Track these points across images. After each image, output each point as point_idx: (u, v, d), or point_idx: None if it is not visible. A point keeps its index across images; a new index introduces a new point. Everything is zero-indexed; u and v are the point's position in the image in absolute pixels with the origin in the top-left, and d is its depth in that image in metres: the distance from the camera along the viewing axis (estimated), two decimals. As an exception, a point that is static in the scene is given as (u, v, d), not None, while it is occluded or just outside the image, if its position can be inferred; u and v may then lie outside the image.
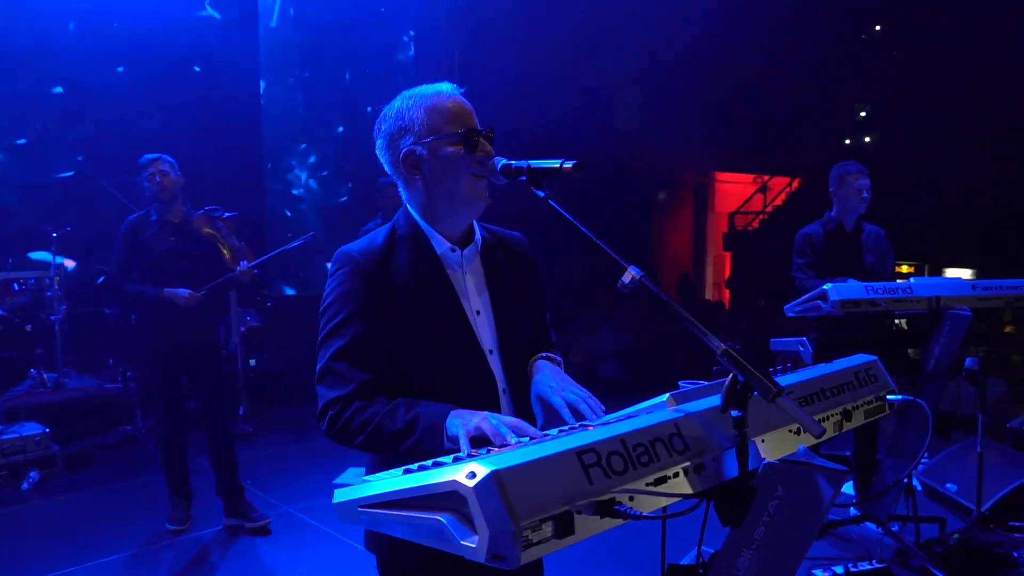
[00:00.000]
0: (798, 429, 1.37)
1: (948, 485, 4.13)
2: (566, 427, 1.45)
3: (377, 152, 1.71)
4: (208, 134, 6.27)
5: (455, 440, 1.39)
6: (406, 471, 1.20)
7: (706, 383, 1.36)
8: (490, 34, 8.52)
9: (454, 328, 1.63)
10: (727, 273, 16.50)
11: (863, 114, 15.51)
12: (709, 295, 16.02)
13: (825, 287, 3.20)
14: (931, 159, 11.72)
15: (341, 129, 8.22)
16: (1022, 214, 10.38)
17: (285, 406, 6.30)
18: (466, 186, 1.60)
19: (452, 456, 1.24)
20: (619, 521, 1.03)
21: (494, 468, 0.93)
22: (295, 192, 7.98)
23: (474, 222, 1.71)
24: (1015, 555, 3.64)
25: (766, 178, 16.34)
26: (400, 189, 1.71)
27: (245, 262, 4.16)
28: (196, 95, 6.50)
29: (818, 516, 1.29)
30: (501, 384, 1.67)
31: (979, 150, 11.31)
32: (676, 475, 1.14)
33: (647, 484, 1.09)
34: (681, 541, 1.75)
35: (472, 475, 0.93)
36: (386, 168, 1.72)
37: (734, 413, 1.19)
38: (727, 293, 15.80)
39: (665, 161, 14.02)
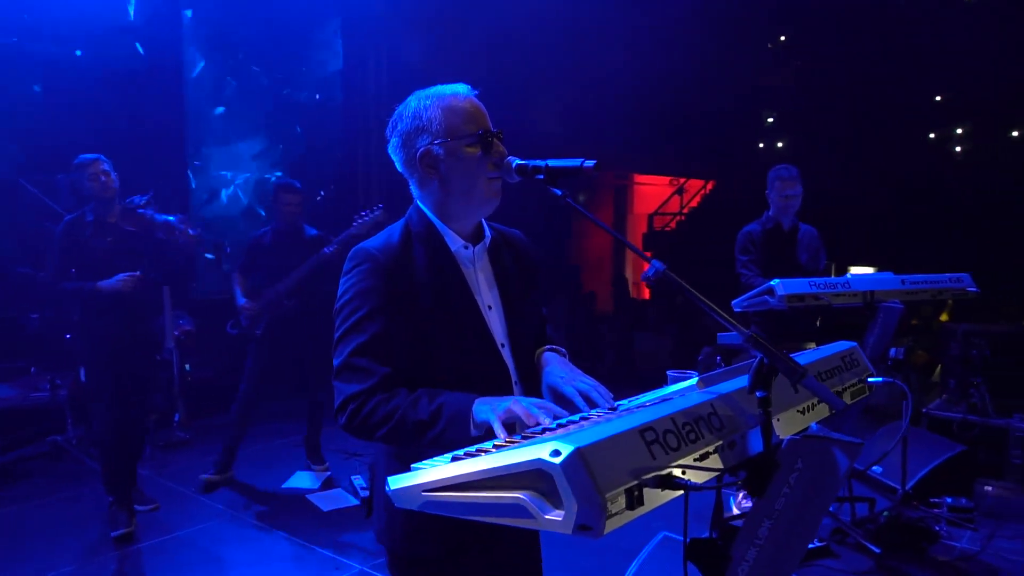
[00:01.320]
0: (805, 409, 1.49)
1: (875, 468, 4.43)
2: (580, 414, 1.53)
3: (390, 150, 1.75)
4: (130, 119, 6.03)
5: (481, 427, 1.43)
6: (455, 458, 1.26)
7: (725, 368, 1.46)
8: (416, 32, 8.53)
9: (470, 322, 1.68)
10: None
11: (771, 120, 16.24)
12: (631, 294, 16.40)
13: (772, 283, 3.40)
14: (832, 163, 12.42)
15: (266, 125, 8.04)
16: (915, 214, 11.15)
17: (222, 412, 6.14)
18: (482, 185, 1.65)
19: (492, 443, 1.30)
20: (678, 492, 1.12)
21: (577, 446, 0.99)
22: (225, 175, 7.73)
23: (482, 220, 1.77)
24: (936, 528, 3.95)
25: (682, 181, 16.90)
26: (412, 187, 1.75)
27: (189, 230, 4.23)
28: (118, 79, 6.18)
29: (834, 488, 1.41)
30: (513, 376, 1.73)
31: (874, 154, 12.07)
32: (714, 451, 1.23)
33: (694, 459, 1.18)
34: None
35: (556, 453, 0.99)
36: (398, 166, 1.76)
37: (759, 393, 1.30)
38: (647, 292, 16.26)
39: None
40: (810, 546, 3.74)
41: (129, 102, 6.16)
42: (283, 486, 4.67)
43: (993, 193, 11.14)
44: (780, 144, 16.03)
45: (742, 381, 1.37)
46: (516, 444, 1.19)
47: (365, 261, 1.63)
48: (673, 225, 16.80)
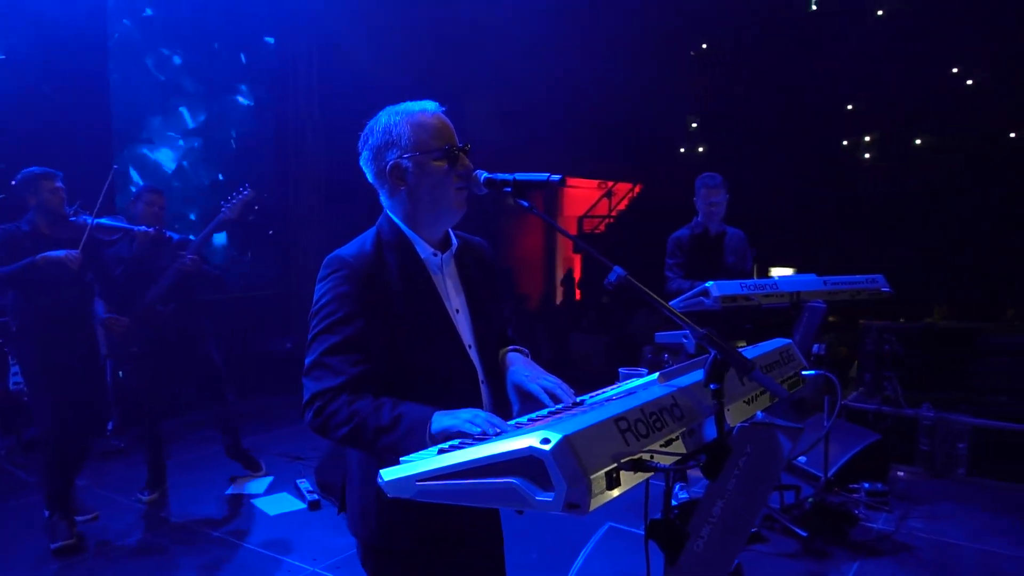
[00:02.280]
0: (750, 399, 1.66)
1: (800, 458, 4.71)
2: (547, 409, 1.66)
3: (362, 163, 1.85)
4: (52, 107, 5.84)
5: (436, 438, 1.52)
6: (441, 451, 1.37)
7: (681, 364, 1.61)
8: (348, 37, 8.52)
9: (439, 326, 1.78)
10: (577, 274, 17.31)
11: (694, 125, 16.79)
12: (564, 296, 16.67)
13: (707, 285, 3.61)
14: (751, 167, 12.97)
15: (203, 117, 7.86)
16: (828, 217, 11.75)
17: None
18: (449, 196, 1.76)
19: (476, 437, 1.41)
20: (649, 473, 1.26)
21: (564, 434, 1.12)
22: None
23: (449, 229, 1.88)
24: (856, 512, 4.25)
25: (611, 184, 17.28)
26: (382, 198, 1.85)
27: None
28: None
29: (777, 469, 1.58)
30: (480, 375, 1.84)
31: (790, 160, 12.66)
32: (677, 438, 1.38)
33: (660, 445, 1.32)
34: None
35: (546, 441, 1.11)
36: (369, 178, 1.85)
37: (713, 386, 1.45)
38: (578, 293, 16.57)
39: (515, 167, 14.54)
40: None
41: (50, 100, 5.97)
42: (226, 492, 4.64)
43: (900, 198, 11.84)
44: (701, 149, 16.59)
45: (697, 375, 1.52)
46: (501, 436, 1.30)
47: (341, 268, 1.71)
48: (602, 228, 17.16)
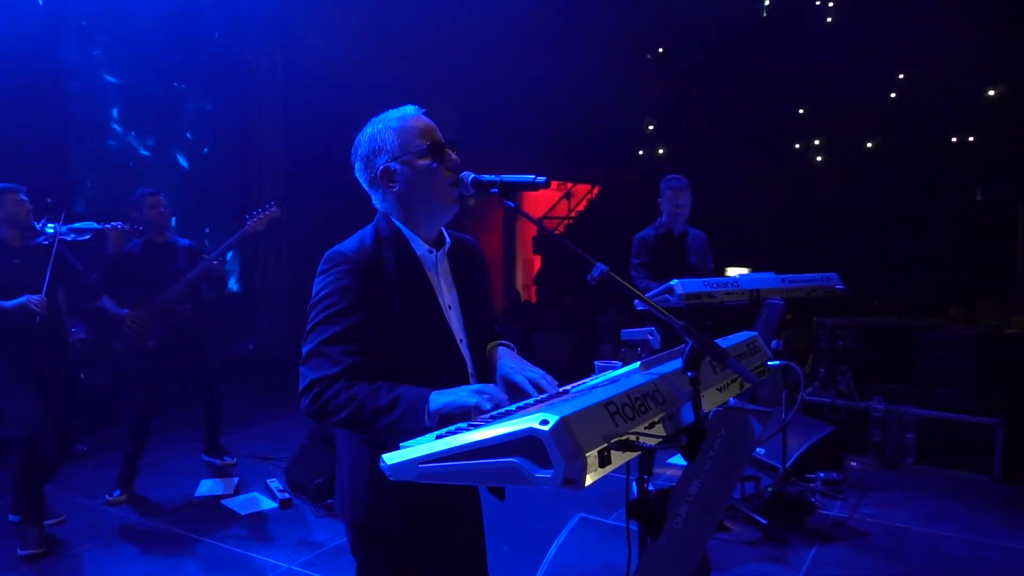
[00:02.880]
0: (722, 387, 1.77)
1: (759, 449, 4.89)
2: (532, 399, 1.76)
3: (356, 174, 1.94)
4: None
5: (434, 416, 1.62)
6: (438, 436, 1.45)
7: (660, 354, 1.72)
8: (311, 40, 8.52)
9: (433, 321, 1.87)
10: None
11: (651, 128, 17.07)
12: (523, 296, 16.78)
13: (672, 283, 3.74)
14: (707, 169, 13.26)
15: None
16: (782, 218, 12.08)
17: (119, 423, 5.98)
18: (440, 192, 1.85)
19: (486, 417, 1.50)
20: (635, 453, 1.36)
21: (561, 415, 1.21)
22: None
23: (442, 228, 1.97)
24: (812, 500, 4.43)
25: (569, 186, 17.46)
26: (377, 202, 1.93)
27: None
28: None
29: (749, 451, 1.69)
30: (470, 368, 1.93)
31: (744, 162, 12.99)
32: (659, 421, 1.48)
33: (645, 428, 1.42)
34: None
35: (545, 422, 1.20)
36: (364, 186, 1.94)
37: (691, 373, 1.56)
38: (533, 293, 16.71)
39: (475, 169, 14.64)
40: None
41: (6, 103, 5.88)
42: (196, 494, 4.64)
43: (851, 199, 12.23)
44: (661, 151, 16.87)
45: (676, 364, 1.63)
46: (499, 420, 1.39)
47: (343, 262, 1.79)
48: (561, 228, 17.33)
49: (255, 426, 6.09)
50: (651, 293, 3.91)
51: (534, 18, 10.73)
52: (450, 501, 1.94)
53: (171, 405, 6.35)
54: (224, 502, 4.48)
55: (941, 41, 11.23)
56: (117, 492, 4.52)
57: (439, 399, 1.62)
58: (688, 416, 1.59)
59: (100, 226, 4.27)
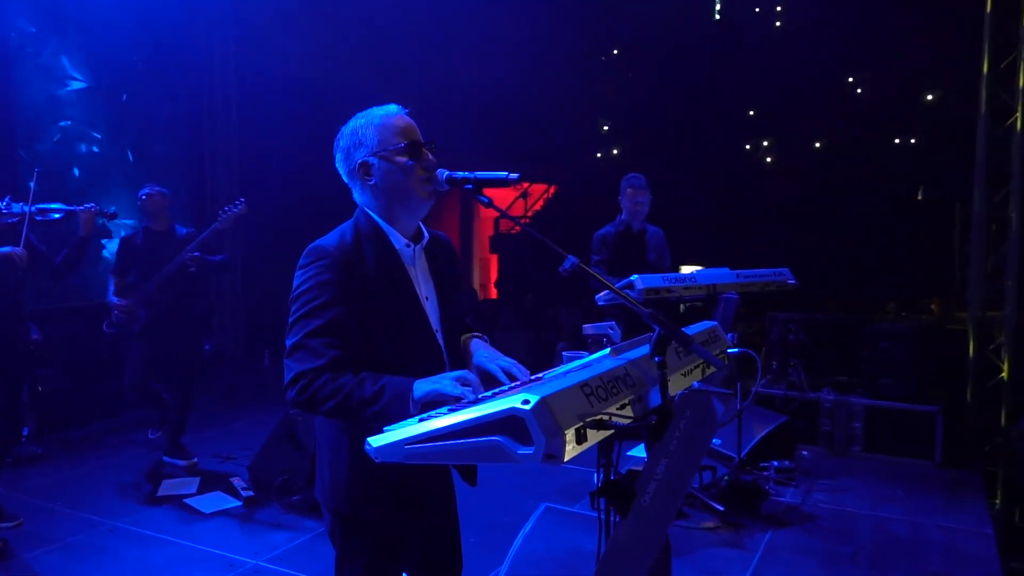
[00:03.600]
0: (686, 372, 1.88)
1: (715, 440, 5.05)
2: (506, 386, 1.84)
3: (336, 165, 2.01)
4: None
5: (418, 404, 1.70)
6: (421, 419, 1.52)
7: (629, 341, 1.81)
8: (268, 39, 8.46)
9: (411, 312, 1.94)
10: (493, 275, 17.54)
11: (606, 128, 17.28)
12: (480, 295, 16.85)
13: (632, 278, 3.86)
14: (661, 169, 13.53)
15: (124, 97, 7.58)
16: (733, 217, 12.39)
17: (75, 425, 5.89)
18: (415, 189, 1.92)
19: (446, 408, 1.57)
20: (609, 432, 1.45)
21: (541, 395, 1.29)
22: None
23: (420, 223, 2.04)
24: (766, 488, 4.60)
25: (526, 185, 17.59)
26: (356, 195, 2.00)
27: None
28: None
29: (711, 431, 1.80)
30: (445, 357, 2.00)
31: (697, 162, 13.28)
32: (629, 403, 1.58)
33: (617, 408, 1.51)
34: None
35: (526, 402, 1.28)
36: (344, 178, 2.01)
37: (658, 359, 1.66)
38: (494, 292, 16.80)
39: (444, 166, 14.68)
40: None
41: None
42: (158, 494, 4.60)
43: (800, 197, 12.60)
44: (616, 151, 17.09)
45: (643, 350, 1.73)
46: (479, 403, 1.47)
47: (323, 256, 1.84)
48: (518, 228, 17.47)
49: (215, 427, 6.04)
50: (609, 290, 4.02)
51: (490, 17, 10.81)
52: (427, 484, 2.01)
53: (123, 406, 6.27)
54: (187, 501, 4.46)
55: (883, 47, 11.65)
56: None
57: (423, 387, 1.69)
58: (655, 399, 1.69)
59: (71, 207, 4.29)
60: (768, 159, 15.40)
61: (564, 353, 2.47)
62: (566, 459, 1.31)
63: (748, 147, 15.60)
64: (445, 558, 2.15)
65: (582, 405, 1.39)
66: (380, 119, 1.94)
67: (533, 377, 1.92)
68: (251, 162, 8.69)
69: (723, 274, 4.09)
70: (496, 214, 16.65)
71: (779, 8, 14.37)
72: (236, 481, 4.62)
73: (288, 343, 1.81)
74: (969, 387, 5.92)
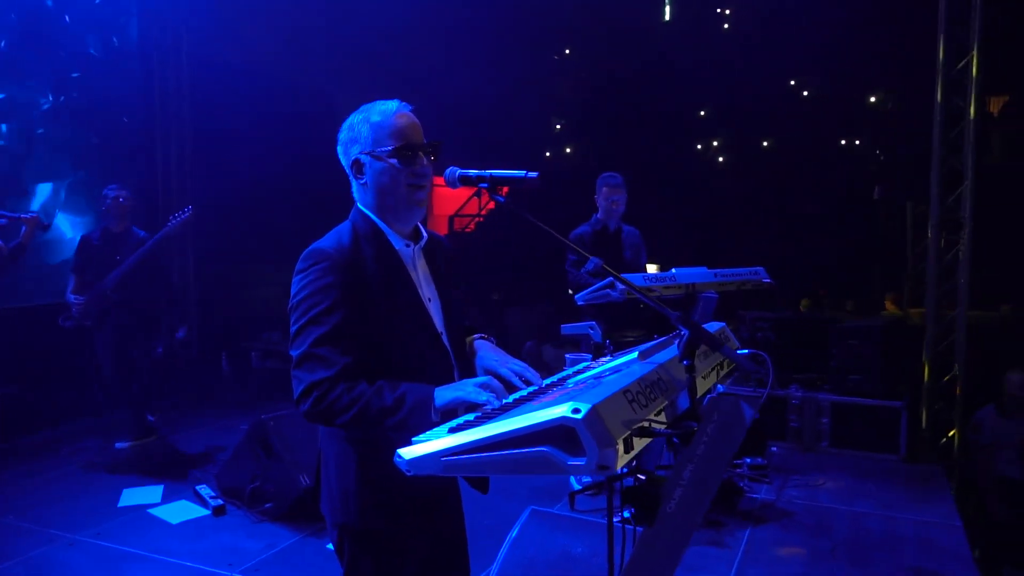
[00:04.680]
0: (705, 375, 1.85)
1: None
2: (527, 390, 1.79)
3: (338, 156, 1.94)
4: None
5: (439, 412, 1.64)
6: (452, 430, 1.46)
7: (652, 343, 1.78)
8: (219, 30, 8.22)
9: (415, 314, 1.87)
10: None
11: (559, 127, 17.33)
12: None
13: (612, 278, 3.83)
14: (612, 168, 13.63)
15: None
16: (686, 216, 12.54)
17: (27, 432, 5.61)
18: (403, 194, 1.85)
19: (476, 414, 1.52)
20: (649, 439, 1.41)
21: (592, 404, 1.24)
22: None
23: (419, 223, 1.97)
24: (741, 484, 4.64)
25: (480, 184, 17.53)
26: (353, 190, 1.93)
27: None
28: None
29: (739, 435, 1.77)
30: (453, 361, 1.94)
31: (649, 161, 13.40)
32: (664, 408, 1.55)
33: (655, 414, 1.48)
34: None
35: (577, 411, 1.23)
36: (345, 170, 1.93)
37: (686, 362, 1.63)
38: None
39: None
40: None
41: None
42: (119, 505, 4.41)
43: (750, 196, 12.84)
44: (568, 150, 17.17)
45: (669, 353, 1.70)
46: (513, 410, 1.42)
47: (323, 260, 1.76)
48: (472, 227, 17.37)
49: (173, 433, 5.82)
50: (592, 288, 3.99)
51: (442, 17, 10.73)
52: (437, 494, 1.95)
53: (76, 412, 6.02)
54: (151, 511, 4.28)
55: (826, 54, 11.93)
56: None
57: (445, 395, 1.63)
58: (683, 403, 1.66)
59: (14, 214, 4.51)
60: (720, 159, 15.66)
61: (567, 356, 2.43)
62: (617, 468, 1.27)
63: (700, 147, 15.85)
64: (454, 567, 2.09)
65: (627, 412, 1.35)
66: (378, 115, 1.86)
67: (547, 382, 1.88)
68: (205, 158, 8.42)
69: (701, 273, 4.09)
70: (451, 211, 16.50)
71: (727, 11, 14.62)
72: (202, 489, 4.45)
73: (295, 353, 1.72)
74: (924, 383, 6.09)
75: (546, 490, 4.46)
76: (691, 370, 1.62)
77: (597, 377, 1.63)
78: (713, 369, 1.92)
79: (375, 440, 1.80)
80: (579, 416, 1.23)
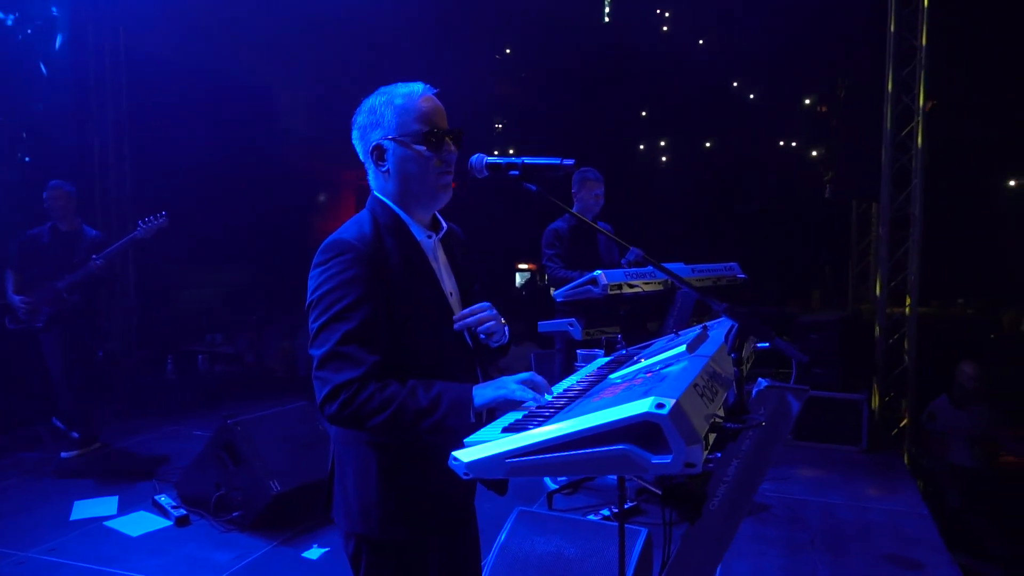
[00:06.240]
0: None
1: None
2: (570, 387, 1.72)
3: (353, 141, 1.81)
4: None
5: (478, 412, 1.55)
6: (505, 430, 1.39)
7: (693, 337, 1.73)
8: (159, 28, 7.89)
9: (439, 309, 1.77)
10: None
11: (499, 126, 17.29)
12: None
13: (595, 274, 3.79)
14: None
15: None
16: (631, 216, 12.66)
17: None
18: (430, 181, 1.75)
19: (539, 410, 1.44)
20: (717, 434, 1.35)
21: (675, 398, 1.18)
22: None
23: (437, 212, 1.87)
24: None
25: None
26: (369, 177, 1.81)
27: None
28: None
29: (786, 429, 1.74)
30: (475, 358, 1.85)
31: (592, 160, 13.48)
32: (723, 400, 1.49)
33: (719, 409, 1.42)
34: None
35: (661, 405, 1.17)
36: (360, 156, 1.82)
37: (734, 355, 1.58)
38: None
39: (327, 163, 14.31)
40: (626, 506, 4.22)
41: None
42: (71, 518, 4.14)
43: (694, 194, 13.05)
44: (511, 151, 17.12)
45: (715, 345, 1.65)
46: (573, 408, 1.35)
47: (346, 251, 1.64)
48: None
49: (119, 441, 5.53)
50: (574, 284, 3.95)
51: (382, 14, 10.56)
52: (457, 501, 1.86)
53: (16, 421, 5.67)
54: (108, 524, 4.03)
55: (766, 57, 12.21)
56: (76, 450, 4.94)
57: (484, 394, 1.55)
58: (731, 395, 1.61)
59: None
60: (664, 159, 15.88)
61: (580, 352, 2.36)
62: (702, 467, 1.21)
63: (643, 147, 16.04)
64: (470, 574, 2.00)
65: (702, 406, 1.30)
66: (402, 98, 1.75)
67: (579, 378, 1.81)
68: (144, 156, 8.07)
69: (679, 269, 4.10)
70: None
71: (666, 13, 14.82)
72: (162, 499, 4.21)
73: (317, 353, 1.60)
74: (876, 376, 6.26)
75: (522, 491, 4.39)
76: (739, 363, 1.58)
77: (648, 371, 1.57)
78: (747, 362, 1.88)
79: (399, 446, 1.70)
80: (664, 411, 1.16)
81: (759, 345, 2.15)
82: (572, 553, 3.15)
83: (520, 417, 1.47)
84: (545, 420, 1.38)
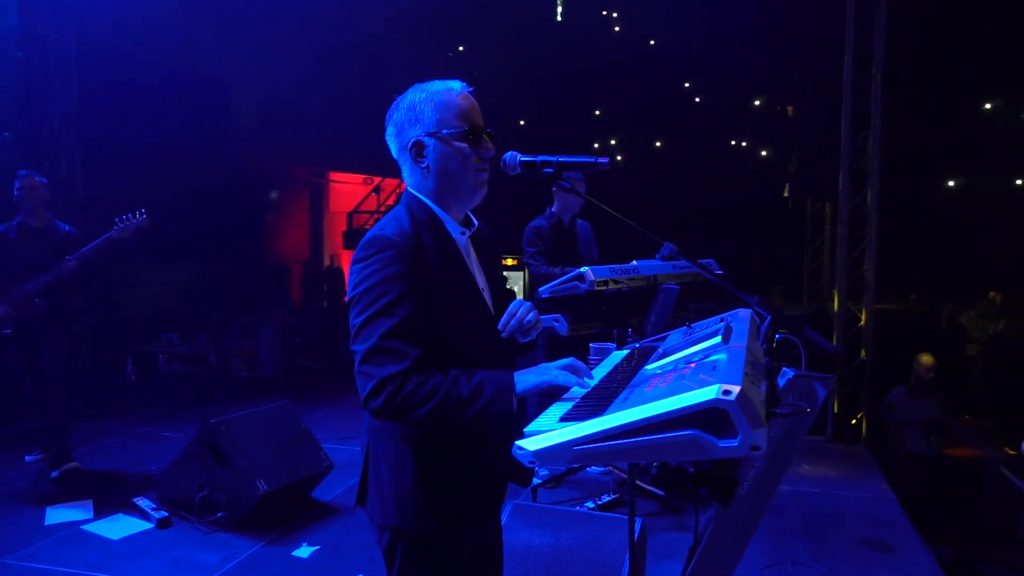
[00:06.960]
0: (762, 357, 1.89)
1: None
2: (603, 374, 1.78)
3: (387, 138, 1.83)
4: None
5: (520, 399, 1.60)
6: (562, 419, 1.44)
7: (724, 326, 1.79)
8: (112, 15, 7.68)
9: (475, 305, 1.81)
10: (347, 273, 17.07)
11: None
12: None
13: (582, 270, 3.86)
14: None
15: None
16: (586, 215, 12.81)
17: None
18: (469, 178, 1.78)
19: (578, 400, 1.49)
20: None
21: (740, 384, 1.24)
22: None
23: (468, 210, 1.90)
24: (691, 471, 4.78)
25: (378, 180, 17.24)
26: (404, 174, 1.83)
27: None
28: None
29: (812, 417, 1.82)
30: (511, 352, 1.90)
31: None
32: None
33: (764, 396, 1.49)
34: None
35: (728, 392, 1.23)
36: (393, 153, 1.84)
37: (765, 345, 1.66)
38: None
39: (279, 161, 14.12)
40: (606, 499, 4.31)
41: None
42: (46, 523, 4.02)
43: (646, 194, 13.28)
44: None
45: (742, 336, 1.72)
46: (628, 395, 1.41)
47: (388, 247, 1.66)
48: (372, 223, 17.04)
49: (84, 443, 5.38)
50: (559, 280, 4.00)
51: (337, 11, 10.50)
52: (493, 493, 1.89)
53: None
54: (86, 528, 3.93)
55: (718, 61, 12.50)
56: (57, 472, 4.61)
57: (527, 380, 1.60)
58: (762, 384, 1.69)
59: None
60: (618, 157, 16.08)
61: (592, 345, 2.40)
62: (765, 448, 1.27)
63: (596, 145, 16.22)
64: (496, 571, 2.04)
65: (756, 392, 1.36)
66: (441, 95, 1.78)
67: (609, 369, 1.87)
68: (95, 148, 7.84)
69: (661, 265, 4.19)
70: (350, 208, 16.13)
71: (615, 14, 15.01)
72: (141, 501, 4.13)
73: (360, 348, 1.62)
74: (836, 369, 6.48)
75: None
76: (771, 353, 1.65)
77: (690, 361, 1.63)
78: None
79: (434, 439, 1.73)
80: (731, 397, 1.22)
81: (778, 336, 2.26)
82: (569, 544, 3.21)
83: (571, 407, 1.52)
84: (604, 409, 1.43)
